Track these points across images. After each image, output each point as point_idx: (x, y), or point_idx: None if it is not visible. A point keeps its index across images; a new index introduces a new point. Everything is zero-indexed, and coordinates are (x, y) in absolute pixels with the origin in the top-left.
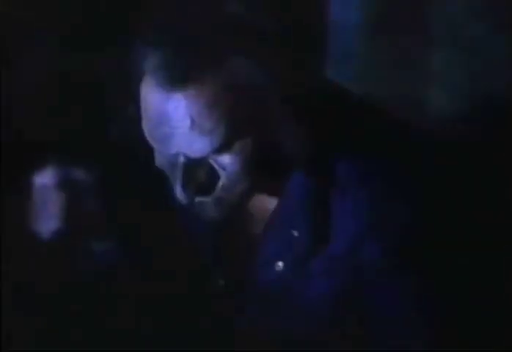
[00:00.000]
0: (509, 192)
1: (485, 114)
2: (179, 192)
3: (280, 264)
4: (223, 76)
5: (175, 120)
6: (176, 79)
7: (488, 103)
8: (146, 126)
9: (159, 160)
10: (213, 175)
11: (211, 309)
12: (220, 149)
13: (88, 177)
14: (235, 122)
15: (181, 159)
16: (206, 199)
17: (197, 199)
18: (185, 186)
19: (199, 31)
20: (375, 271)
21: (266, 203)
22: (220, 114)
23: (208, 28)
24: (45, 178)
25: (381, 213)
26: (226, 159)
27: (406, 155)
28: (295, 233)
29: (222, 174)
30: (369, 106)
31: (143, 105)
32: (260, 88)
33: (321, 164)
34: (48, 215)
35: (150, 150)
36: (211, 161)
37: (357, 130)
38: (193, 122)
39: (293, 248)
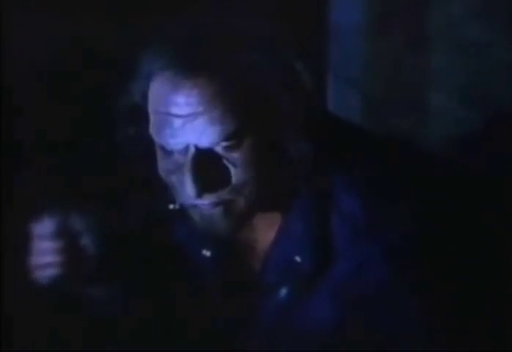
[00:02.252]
0: (509, 193)
1: (485, 114)
2: (189, 188)
3: (284, 291)
4: (234, 66)
5: (187, 109)
6: (188, 67)
7: (488, 103)
8: (155, 125)
9: (163, 166)
10: (223, 170)
11: (216, 344)
12: (230, 145)
13: (85, 224)
14: (244, 113)
15: (191, 151)
16: (216, 200)
17: (206, 198)
18: (195, 180)
19: (211, 26)
20: (378, 292)
21: (266, 236)
22: (230, 102)
23: (220, 26)
24: (42, 226)
25: (381, 232)
26: (235, 156)
27: (405, 170)
28: (298, 259)
29: (232, 170)
30: (367, 129)
31: (152, 106)
32: (270, 86)
33: (320, 180)
34: (46, 263)
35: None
36: (221, 156)
37: (355, 147)
38: (204, 109)
39: (297, 274)
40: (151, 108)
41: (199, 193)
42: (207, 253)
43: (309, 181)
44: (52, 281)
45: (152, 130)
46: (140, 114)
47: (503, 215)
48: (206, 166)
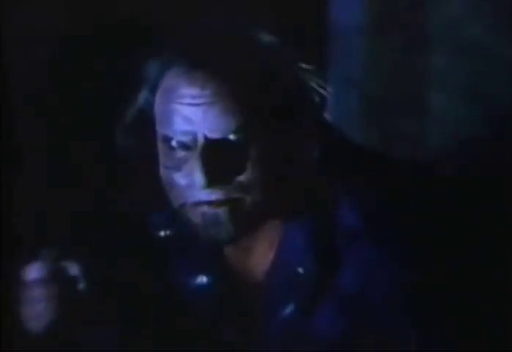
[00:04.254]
0: (509, 193)
1: (485, 114)
2: (198, 177)
3: (289, 308)
4: (247, 60)
5: (200, 99)
6: (199, 62)
7: (489, 103)
8: (164, 116)
9: (166, 163)
10: (232, 163)
11: None
12: (240, 139)
13: (79, 268)
14: (255, 108)
15: (201, 140)
16: (222, 197)
17: (213, 193)
18: (205, 167)
19: (213, 26)
20: (384, 306)
21: (264, 259)
22: (240, 96)
23: (222, 26)
24: (34, 272)
25: (380, 240)
26: (246, 152)
27: (403, 179)
28: (301, 270)
29: (241, 165)
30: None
31: (161, 101)
32: (281, 87)
33: (320, 188)
34: (40, 310)
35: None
36: (231, 149)
37: (353, 157)
38: (216, 99)
39: (301, 287)
40: (160, 104)
41: (208, 183)
42: (203, 279)
43: (311, 189)
44: (47, 328)
45: (159, 123)
46: (144, 121)
47: (503, 215)
48: (216, 155)
